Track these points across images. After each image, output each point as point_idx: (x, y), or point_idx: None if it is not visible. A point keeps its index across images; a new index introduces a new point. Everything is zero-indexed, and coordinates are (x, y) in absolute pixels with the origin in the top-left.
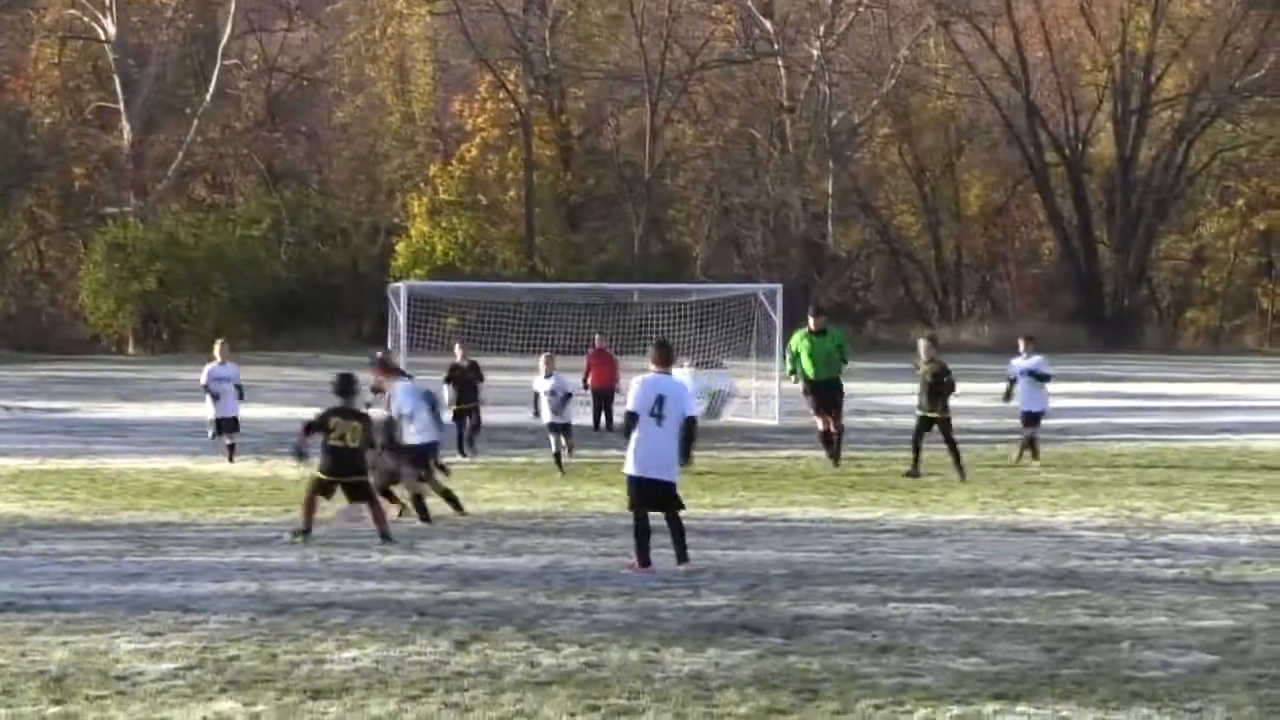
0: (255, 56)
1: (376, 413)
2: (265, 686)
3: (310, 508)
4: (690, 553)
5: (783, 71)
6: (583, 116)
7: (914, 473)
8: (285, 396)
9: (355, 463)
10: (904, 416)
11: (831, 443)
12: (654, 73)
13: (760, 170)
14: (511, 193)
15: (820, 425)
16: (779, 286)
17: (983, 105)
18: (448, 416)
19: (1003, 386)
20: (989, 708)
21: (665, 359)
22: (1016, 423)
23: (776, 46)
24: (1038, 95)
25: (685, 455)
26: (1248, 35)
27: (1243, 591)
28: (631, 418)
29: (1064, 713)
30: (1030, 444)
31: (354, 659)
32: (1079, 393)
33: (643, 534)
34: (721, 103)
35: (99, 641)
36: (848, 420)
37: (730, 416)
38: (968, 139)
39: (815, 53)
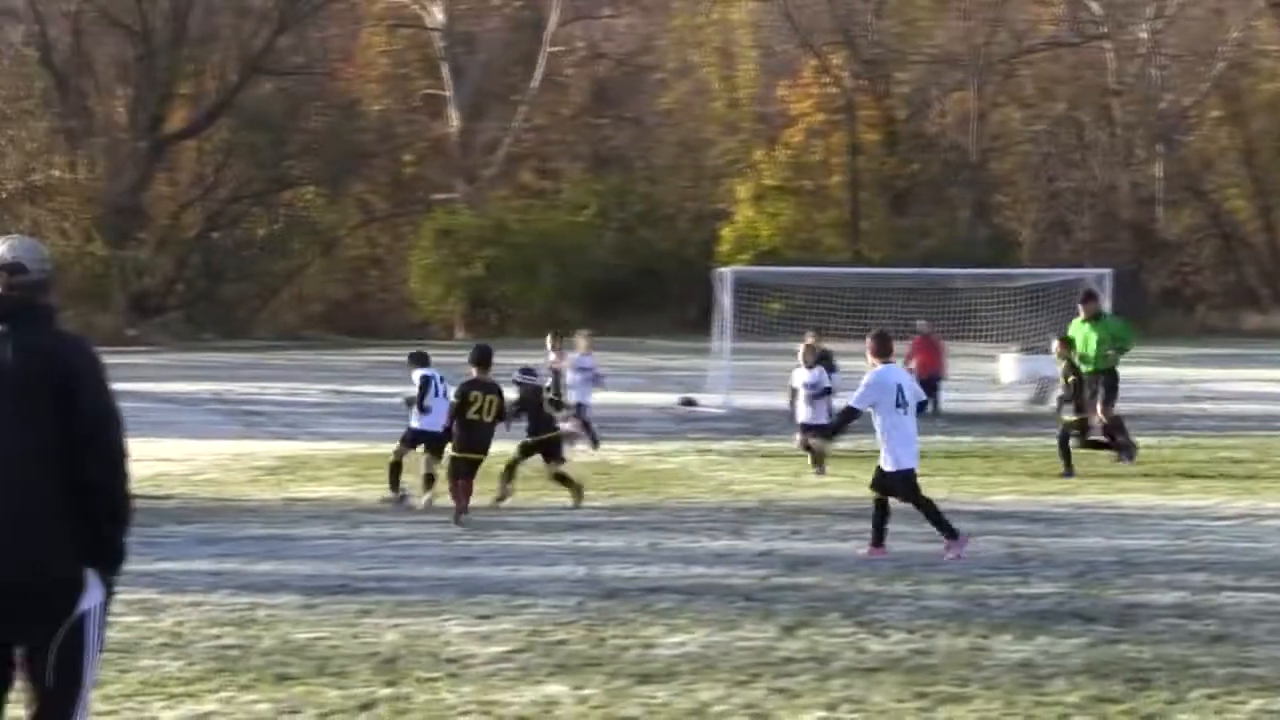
0: (581, 43)
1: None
2: (593, 670)
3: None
4: (1018, 538)
5: (1110, 54)
6: (907, 100)
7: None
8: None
9: (487, 437)
10: (1236, 403)
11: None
12: (979, 56)
13: (1088, 154)
14: (836, 178)
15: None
16: (1108, 271)
17: None
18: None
19: None
20: None
21: (884, 350)
22: None
23: (1105, 29)
24: None
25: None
26: None
27: None
28: (853, 413)
29: None
30: None
31: (681, 644)
32: None
33: (938, 515)
34: (1048, 86)
35: (429, 624)
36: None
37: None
38: None
39: (1144, 35)
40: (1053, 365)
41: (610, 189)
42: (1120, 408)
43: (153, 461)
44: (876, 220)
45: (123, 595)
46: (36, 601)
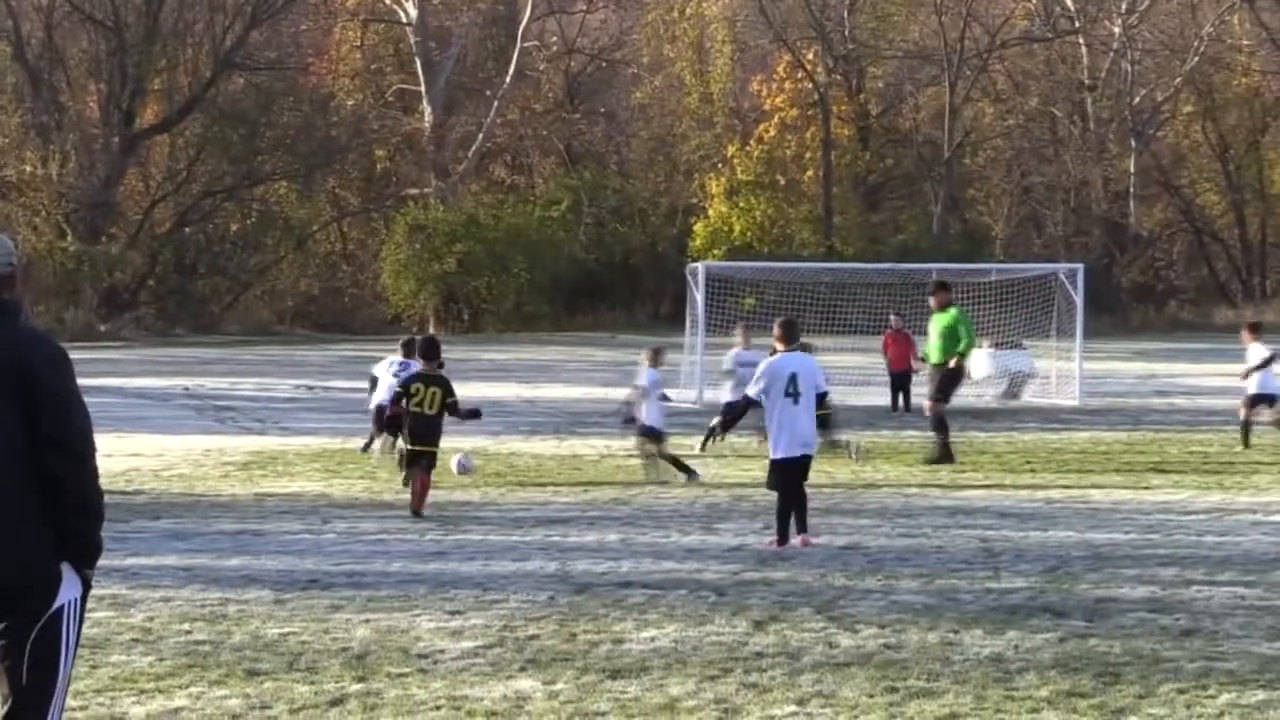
0: (554, 38)
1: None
2: (564, 665)
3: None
4: (989, 533)
5: (1084, 49)
6: (881, 96)
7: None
8: (583, 377)
9: (432, 430)
10: (1207, 398)
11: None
12: (953, 51)
13: (1061, 149)
14: (809, 173)
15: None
16: (1080, 266)
17: None
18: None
19: None
20: None
21: (790, 337)
22: None
23: (1078, 24)
24: None
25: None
26: None
27: None
28: (750, 402)
29: None
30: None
31: (652, 639)
32: None
33: (789, 512)
34: (1022, 81)
35: (400, 619)
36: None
37: (1029, 397)
38: (1273, 116)
39: (1117, 30)
40: (1024, 360)
41: (583, 184)
42: (1091, 402)
43: (124, 457)
44: (849, 215)
45: (93, 590)
46: (12, 596)
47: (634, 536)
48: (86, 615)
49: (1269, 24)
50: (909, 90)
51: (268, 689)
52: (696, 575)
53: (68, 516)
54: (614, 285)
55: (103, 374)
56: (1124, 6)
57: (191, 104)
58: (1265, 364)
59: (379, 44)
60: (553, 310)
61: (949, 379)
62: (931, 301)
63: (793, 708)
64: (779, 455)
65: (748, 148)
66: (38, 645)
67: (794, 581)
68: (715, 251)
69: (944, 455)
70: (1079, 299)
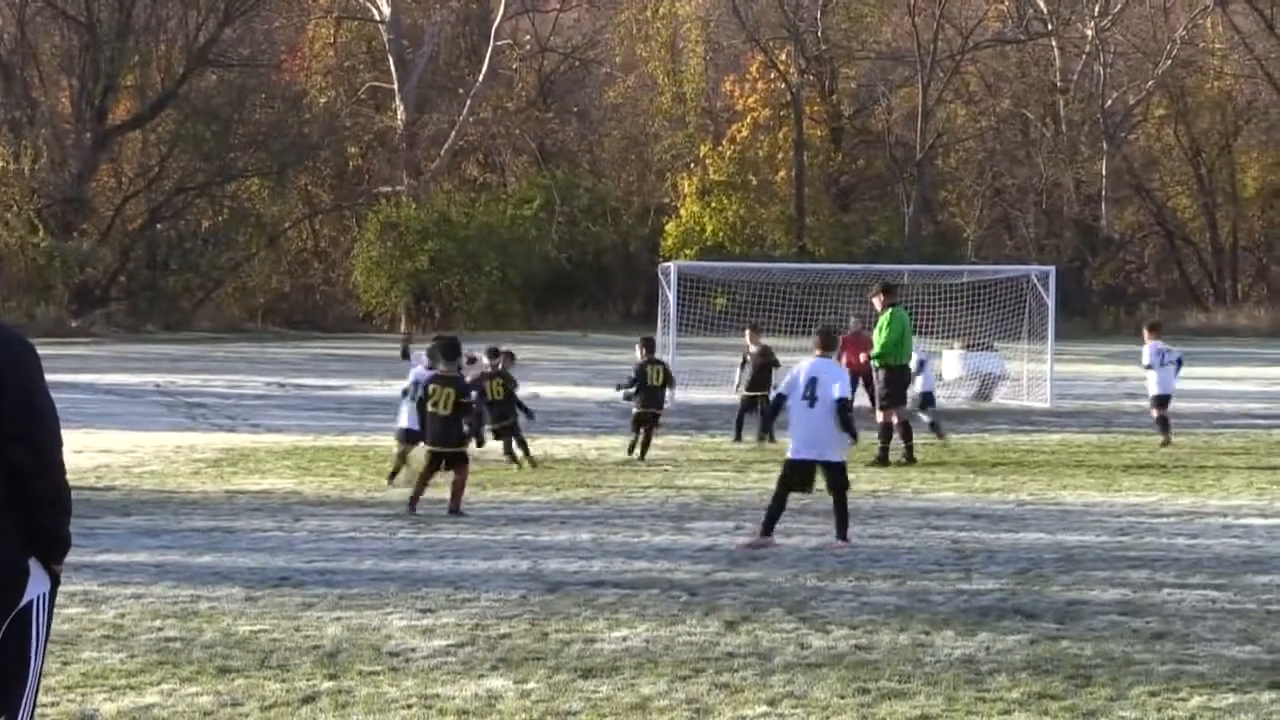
0: (528, 37)
1: None
2: (536, 664)
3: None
4: (961, 534)
5: (1056, 52)
6: (854, 96)
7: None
8: (556, 376)
9: (449, 430)
10: (1178, 400)
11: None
12: (926, 53)
13: (1033, 151)
14: (781, 173)
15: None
16: (1052, 268)
17: (1260, 86)
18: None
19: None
20: (1265, 696)
21: (827, 344)
22: None
23: (1050, 26)
24: None
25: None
26: None
27: None
28: (780, 399)
29: None
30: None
31: (624, 638)
32: None
33: (778, 512)
34: (994, 83)
35: (371, 618)
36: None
37: (1001, 399)
38: (1245, 120)
39: (1090, 33)
40: (996, 362)
41: (556, 183)
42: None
43: (95, 453)
44: (822, 216)
45: (64, 587)
46: None
47: (606, 536)
48: (57, 611)
49: (1242, 27)
50: (881, 91)
51: (239, 686)
52: (668, 575)
53: (35, 512)
54: (586, 284)
55: (74, 370)
56: (1097, 9)
57: (164, 100)
58: (1164, 364)
59: (352, 41)
60: (524, 309)
61: (889, 383)
62: (875, 303)
63: (764, 708)
64: (789, 454)
65: (720, 148)
66: (6, 642)
67: (766, 582)
68: (687, 251)
69: (883, 457)
70: (1051, 301)
